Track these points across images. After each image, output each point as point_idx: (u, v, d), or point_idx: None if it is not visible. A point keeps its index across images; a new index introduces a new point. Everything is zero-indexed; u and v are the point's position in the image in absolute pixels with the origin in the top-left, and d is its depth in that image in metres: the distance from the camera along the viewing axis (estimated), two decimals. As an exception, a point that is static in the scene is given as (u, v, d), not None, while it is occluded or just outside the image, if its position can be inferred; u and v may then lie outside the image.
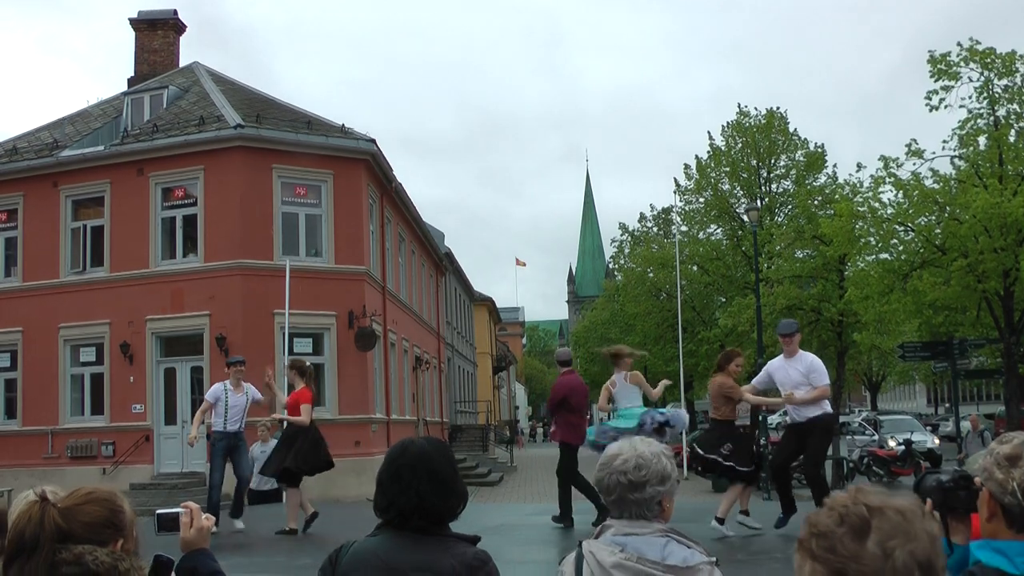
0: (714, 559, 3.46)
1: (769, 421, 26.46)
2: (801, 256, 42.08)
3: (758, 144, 46.06)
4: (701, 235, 49.25)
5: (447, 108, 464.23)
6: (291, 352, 24.82)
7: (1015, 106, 31.26)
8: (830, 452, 31.07)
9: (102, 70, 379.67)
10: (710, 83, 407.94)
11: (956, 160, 32.30)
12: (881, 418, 43.75)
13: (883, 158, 31.92)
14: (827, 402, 12.04)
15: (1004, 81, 31.08)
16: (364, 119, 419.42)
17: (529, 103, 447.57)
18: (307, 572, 9.72)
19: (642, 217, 58.77)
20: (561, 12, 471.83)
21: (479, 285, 70.95)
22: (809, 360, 11.89)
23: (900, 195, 31.75)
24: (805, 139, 46.60)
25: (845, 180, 39.19)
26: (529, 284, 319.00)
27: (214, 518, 3.52)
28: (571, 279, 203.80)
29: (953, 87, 31.14)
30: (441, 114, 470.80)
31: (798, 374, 11.75)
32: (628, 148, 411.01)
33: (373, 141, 29.81)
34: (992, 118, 31.30)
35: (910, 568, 1.96)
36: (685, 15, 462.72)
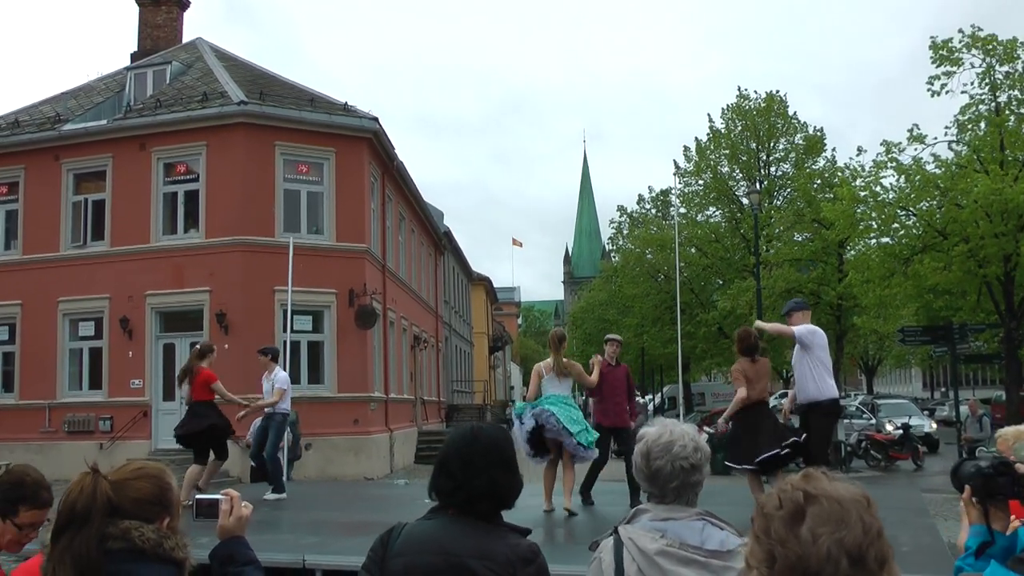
0: (747, 540, 3.44)
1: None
2: (800, 239, 42.16)
3: (758, 127, 46.10)
4: (700, 217, 49.29)
5: (460, 88, 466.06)
6: (292, 330, 24.82)
7: (1016, 92, 31.30)
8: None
9: (108, 44, 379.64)
10: (722, 66, 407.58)
11: (955, 146, 32.38)
12: (878, 402, 43.78)
13: (885, 143, 32.01)
14: (821, 385, 11.37)
15: (1005, 68, 31.16)
16: (377, 96, 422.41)
17: (540, 84, 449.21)
18: (315, 551, 9.73)
19: (640, 199, 58.75)
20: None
21: (482, 264, 71.06)
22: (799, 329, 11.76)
23: (902, 180, 31.79)
24: (804, 122, 46.74)
25: (845, 164, 39.24)
26: (530, 264, 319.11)
27: (251, 507, 3.52)
28: (567, 259, 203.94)
29: (955, 73, 31.22)
30: (454, 94, 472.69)
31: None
32: (634, 130, 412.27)
33: (376, 119, 29.75)
34: (993, 104, 31.35)
35: (836, 556, 2.00)
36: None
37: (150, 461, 3.19)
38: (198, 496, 3.48)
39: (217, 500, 3.45)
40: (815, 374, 11.43)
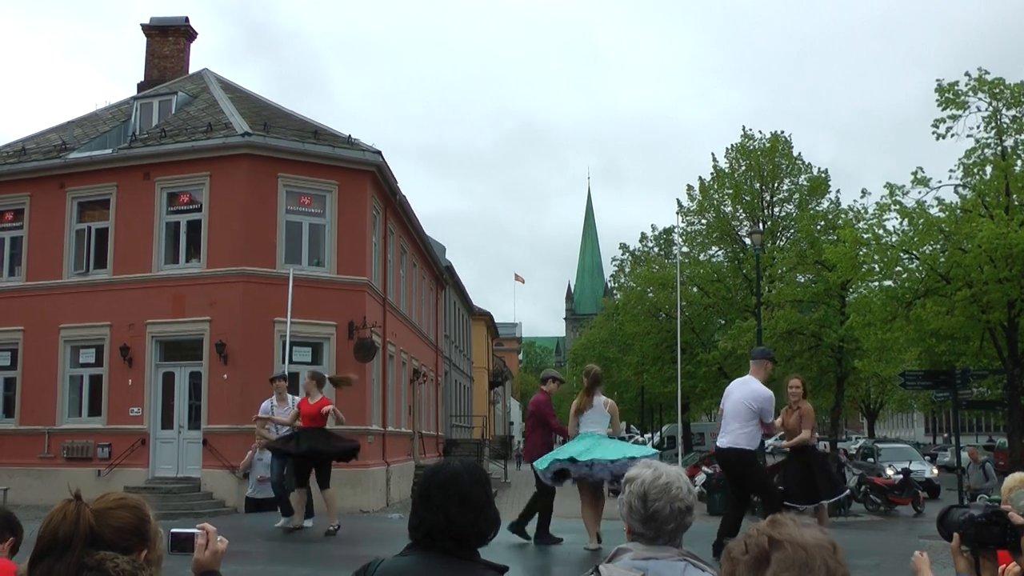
0: None
1: (765, 445, 26.20)
2: (802, 281, 42.13)
3: (762, 167, 46.14)
4: (702, 257, 49.29)
5: (473, 121, 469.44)
6: (290, 361, 24.74)
7: (1023, 137, 31.30)
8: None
9: (123, 74, 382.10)
10: (733, 104, 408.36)
11: (960, 189, 32.34)
12: (879, 446, 43.63)
13: (888, 185, 31.99)
14: (742, 436, 11.54)
15: (1012, 112, 31.12)
16: (392, 128, 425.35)
17: (553, 119, 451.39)
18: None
19: (643, 237, 58.85)
20: (593, 33, 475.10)
21: (488, 298, 71.02)
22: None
23: (905, 223, 31.74)
24: (809, 163, 46.78)
25: (849, 206, 39.28)
26: (536, 299, 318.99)
27: (227, 541, 3.48)
28: (569, 296, 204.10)
29: (961, 116, 31.20)
30: (467, 127, 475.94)
31: None
32: (646, 166, 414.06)
33: (379, 152, 29.81)
34: (1000, 148, 31.32)
35: None
36: (711, 37, 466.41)
37: (130, 493, 3.17)
38: (174, 530, 3.44)
39: (193, 534, 3.41)
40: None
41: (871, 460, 39.64)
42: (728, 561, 2.12)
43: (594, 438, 12.05)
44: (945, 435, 78.83)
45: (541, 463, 12.03)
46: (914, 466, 34.86)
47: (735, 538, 2.21)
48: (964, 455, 30.05)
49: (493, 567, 3.38)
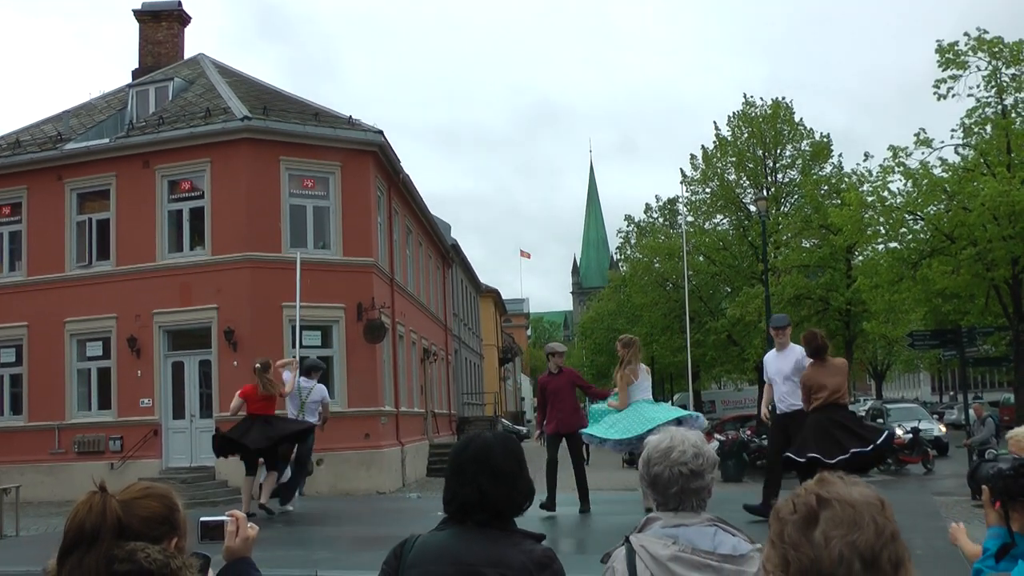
0: (759, 546, 3.41)
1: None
2: (808, 246, 42.15)
3: (764, 134, 46.11)
4: (707, 225, 49.29)
5: (484, 100, 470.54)
6: (301, 345, 24.73)
7: (1023, 95, 31.31)
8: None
9: (109, 62, 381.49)
10: (741, 77, 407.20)
11: (961, 149, 32.37)
12: (888, 407, 43.72)
13: (892, 147, 32.00)
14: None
15: (1012, 70, 31.13)
16: (404, 109, 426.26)
17: (560, 98, 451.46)
18: (326, 565, 9.68)
19: (648, 208, 58.69)
20: (606, 8, 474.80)
21: (501, 276, 71.33)
22: (800, 351, 11.82)
23: (909, 184, 31.76)
24: (811, 129, 46.74)
25: (852, 170, 39.29)
26: (547, 274, 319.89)
27: (257, 528, 3.46)
28: (575, 270, 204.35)
29: (961, 76, 31.19)
30: (478, 106, 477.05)
31: (788, 366, 11.87)
32: (653, 142, 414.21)
33: (380, 132, 29.69)
34: (1000, 107, 31.33)
35: (849, 559, 1.99)
36: (718, 8, 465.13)
37: (155, 483, 3.15)
38: (203, 518, 3.43)
39: (222, 521, 3.40)
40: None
41: (880, 421, 39.68)
42: (777, 521, 2.12)
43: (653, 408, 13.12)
44: (951, 393, 79.13)
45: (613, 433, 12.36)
46: (923, 425, 35.05)
47: (779, 501, 2.20)
48: (971, 412, 30.18)
49: (530, 535, 3.38)
